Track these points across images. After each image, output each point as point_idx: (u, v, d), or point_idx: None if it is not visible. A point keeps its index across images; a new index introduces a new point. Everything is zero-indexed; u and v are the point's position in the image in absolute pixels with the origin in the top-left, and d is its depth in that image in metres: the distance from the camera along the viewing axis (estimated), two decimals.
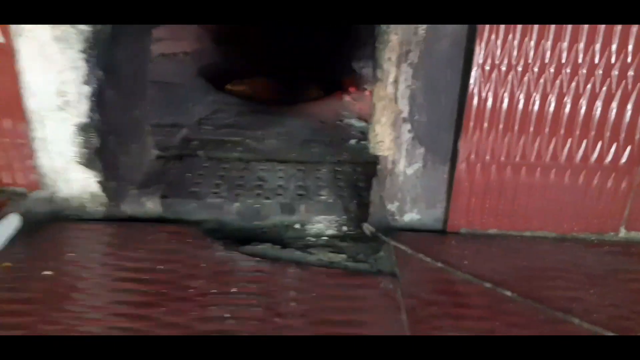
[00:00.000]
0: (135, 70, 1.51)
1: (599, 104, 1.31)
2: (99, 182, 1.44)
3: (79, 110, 1.36)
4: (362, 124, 2.36)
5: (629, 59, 1.26)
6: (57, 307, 1.12)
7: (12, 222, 1.35)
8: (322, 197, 1.58)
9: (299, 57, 3.19)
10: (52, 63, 1.30)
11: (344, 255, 1.36)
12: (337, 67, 3.18)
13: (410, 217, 1.47)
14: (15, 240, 1.33)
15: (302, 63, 3.14)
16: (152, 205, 1.52)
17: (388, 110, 1.31)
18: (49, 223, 1.42)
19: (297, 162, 1.86)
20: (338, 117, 2.48)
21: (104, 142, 1.42)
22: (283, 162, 1.85)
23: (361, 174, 1.77)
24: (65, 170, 1.42)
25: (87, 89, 1.34)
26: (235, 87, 2.77)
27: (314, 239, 1.46)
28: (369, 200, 1.49)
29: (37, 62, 1.30)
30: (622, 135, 1.33)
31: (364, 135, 2.21)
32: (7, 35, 1.28)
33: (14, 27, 1.26)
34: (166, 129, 2.10)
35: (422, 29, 1.27)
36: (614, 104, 1.30)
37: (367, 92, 2.85)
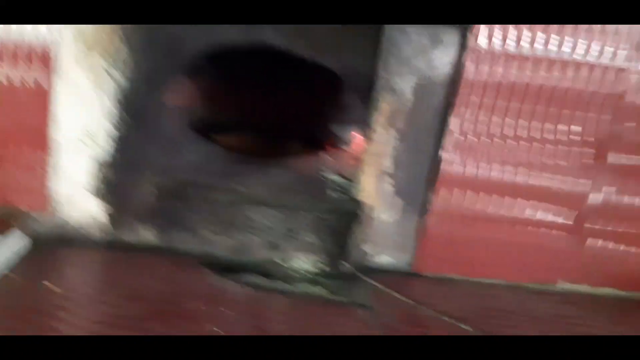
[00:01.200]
0: (152, 116, 1.71)
1: (548, 175, 1.58)
2: (107, 212, 1.60)
3: (101, 146, 1.54)
4: (342, 180, 2.59)
5: (574, 137, 1.54)
6: (52, 314, 1.23)
7: (19, 241, 1.48)
8: (306, 239, 1.77)
9: (283, 116, 3.45)
10: (85, 104, 1.49)
11: (324, 289, 1.54)
12: (317, 127, 3.45)
13: (384, 259, 1.68)
14: (22, 258, 1.45)
15: (286, 121, 3.39)
16: (150, 236, 1.68)
17: (374, 165, 1.55)
18: (55, 246, 1.56)
19: (284, 207, 2.05)
20: (318, 172, 2.70)
21: (117, 177, 1.59)
22: (270, 206, 2.04)
23: (341, 221, 1.97)
24: (77, 198, 1.57)
25: (112, 130, 1.53)
26: (223, 139, 2.99)
27: (297, 274, 1.64)
28: (348, 242, 1.69)
29: (70, 101, 1.49)
30: (567, 201, 1.60)
31: (343, 189, 2.44)
32: (46, 74, 1.46)
33: (54, 68, 1.45)
34: (161, 169, 2.27)
35: (408, 101, 1.54)
36: (561, 175, 1.58)
37: (344, 152, 3.11)
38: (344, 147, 3.27)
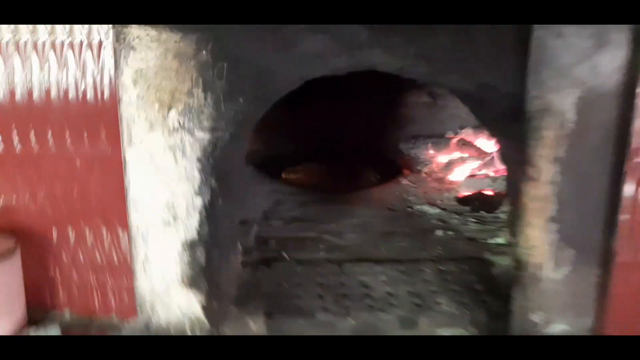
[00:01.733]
0: (235, 170, 1.38)
1: None
2: (201, 305, 1.27)
3: (188, 225, 1.21)
4: (436, 210, 2.22)
5: None
6: None
7: None
8: (443, 307, 1.41)
9: (345, 139, 3.10)
10: (163, 174, 1.17)
11: None
12: (384, 148, 3.10)
13: (557, 328, 1.30)
14: None
15: (349, 145, 3.05)
16: (255, 326, 1.34)
17: (542, 212, 1.18)
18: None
19: (394, 262, 1.70)
20: (405, 204, 2.35)
21: (209, 258, 1.26)
22: (379, 262, 1.69)
23: (471, 273, 1.61)
24: (166, 293, 1.25)
25: (199, 201, 1.20)
26: (290, 176, 2.66)
27: None
28: (499, 310, 1.33)
29: (146, 173, 1.16)
30: None
31: (444, 223, 2.07)
32: (115, 145, 1.15)
33: (125, 136, 1.14)
34: (248, 232, 1.94)
35: (570, 122, 1.17)
36: None
37: (423, 174, 2.75)
38: (418, 169, 2.91)
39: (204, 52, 1.10)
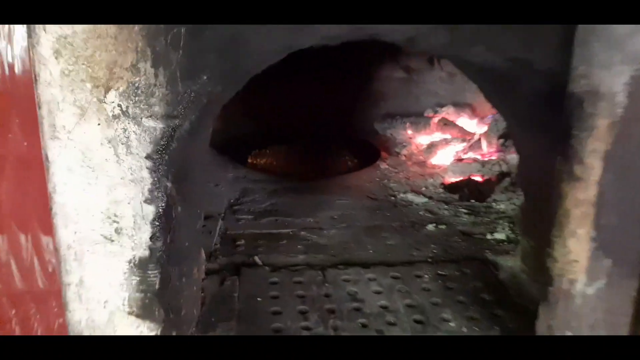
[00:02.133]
0: (200, 169, 1.10)
1: None
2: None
3: (137, 239, 0.92)
4: (422, 199, 2.00)
5: None
6: None
7: None
8: (451, 325, 1.19)
9: (314, 118, 2.83)
10: (100, 176, 0.88)
11: None
12: (358, 128, 2.85)
13: None
14: None
15: (319, 125, 2.78)
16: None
17: (587, 218, 0.95)
18: None
19: (385, 265, 1.46)
20: (387, 191, 2.11)
21: (164, 278, 0.99)
22: (367, 266, 1.45)
23: (474, 278, 1.39)
24: (109, 325, 0.97)
25: (150, 210, 0.92)
26: (257, 160, 2.37)
27: None
28: (517, 327, 1.12)
29: (76, 175, 0.87)
30: None
31: (433, 215, 1.85)
32: (33, 138, 0.85)
33: (46, 127, 0.84)
34: (218, 234, 1.66)
35: (620, 107, 0.94)
36: None
37: (402, 158, 2.52)
38: (397, 152, 2.67)
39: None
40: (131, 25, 0.81)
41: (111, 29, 0.81)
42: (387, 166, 2.40)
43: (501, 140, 2.23)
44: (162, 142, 0.88)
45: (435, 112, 2.82)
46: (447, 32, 0.91)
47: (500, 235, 1.66)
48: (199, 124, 0.94)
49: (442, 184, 2.15)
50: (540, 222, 1.15)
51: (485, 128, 2.41)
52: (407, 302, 1.28)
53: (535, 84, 0.96)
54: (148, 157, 0.88)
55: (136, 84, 0.84)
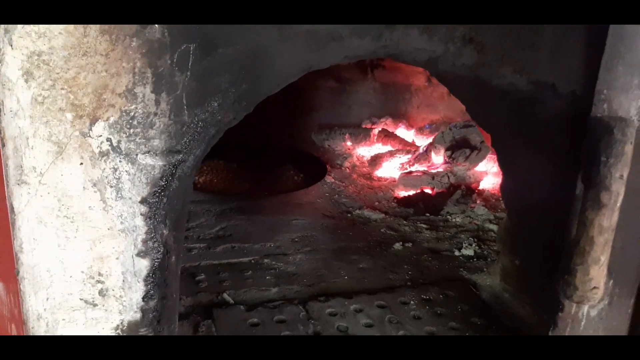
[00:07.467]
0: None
1: None
2: None
3: (126, 300, 0.76)
4: (379, 215, 1.94)
5: None
6: None
7: None
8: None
9: (244, 131, 2.67)
10: (82, 228, 0.70)
11: None
12: (296, 140, 2.74)
13: None
14: None
15: (255, 136, 2.63)
16: None
17: (608, 245, 0.93)
18: None
19: (366, 293, 1.38)
20: (340, 207, 2.03)
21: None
22: (349, 296, 1.35)
23: (459, 300, 1.35)
24: None
25: (143, 264, 0.75)
26: (196, 178, 2.18)
27: None
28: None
29: (50, 229, 0.69)
30: None
31: (395, 232, 1.80)
32: None
33: (12, 169, 0.65)
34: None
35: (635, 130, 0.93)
36: None
37: (346, 169, 2.46)
38: (338, 164, 2.58)
39: (156, 25, 0.65)
40: (127, 41, 0.65)
41: (101, 44, 0.64)
42: (332, 180, 2.32)
43: (448, 152, 2.24)
44: (161, 183, 0.72)
45: (373, 122, 2.79)
46: (475, 52, 0.84)
47: (468, 252, 1.65)
48: (201, 158, 0.79)
49: (395, 198, 2.11)
50: (528, 241, 1.14)
51: (429, 139, 2.42)
52: (401, 333, 1.21)
53: (556, 107, 0.92)
54: (143, 201, 0.72)
55: (131, 113, 0.68)
